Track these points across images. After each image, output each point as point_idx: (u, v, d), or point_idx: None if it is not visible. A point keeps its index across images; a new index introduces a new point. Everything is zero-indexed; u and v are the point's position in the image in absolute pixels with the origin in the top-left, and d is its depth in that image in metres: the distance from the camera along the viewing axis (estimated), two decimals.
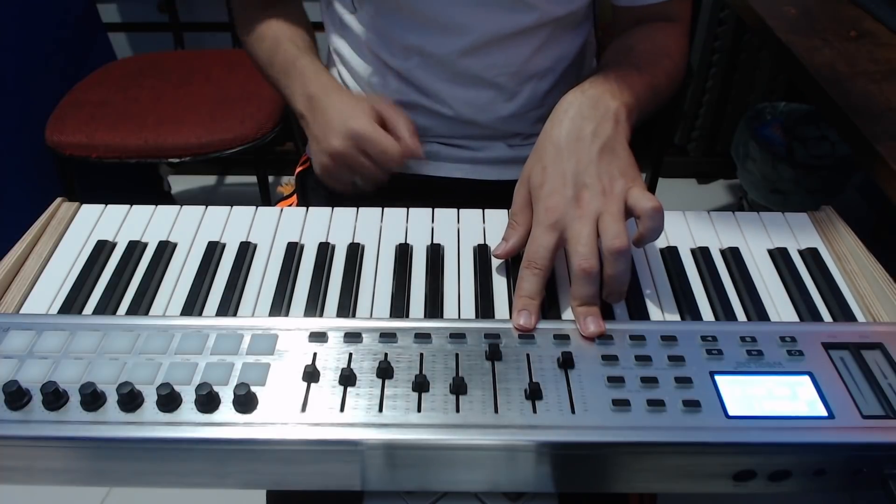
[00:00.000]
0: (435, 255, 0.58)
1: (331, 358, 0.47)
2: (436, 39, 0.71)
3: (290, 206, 0.86)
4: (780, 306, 0.54)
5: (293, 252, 0.58)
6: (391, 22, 0.72)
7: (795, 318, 0.53)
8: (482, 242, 0.59)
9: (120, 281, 0.55)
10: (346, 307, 0.53)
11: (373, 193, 0.71)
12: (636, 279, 0.56)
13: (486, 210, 0.63)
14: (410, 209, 0.63)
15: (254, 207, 0.63)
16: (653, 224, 0.51)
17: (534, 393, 0.44)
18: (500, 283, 0.56)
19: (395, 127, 0.68)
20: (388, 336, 0.48)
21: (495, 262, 0.57)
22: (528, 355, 0.47)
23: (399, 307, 0.53)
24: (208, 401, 0.43)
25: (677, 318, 0.53)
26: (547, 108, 0.74)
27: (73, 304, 0.53)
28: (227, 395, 0.44)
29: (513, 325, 0.50)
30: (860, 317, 0.53)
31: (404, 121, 0.69)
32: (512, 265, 0.57)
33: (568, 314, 0.52)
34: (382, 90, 0.77)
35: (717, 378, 0.46)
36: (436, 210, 0.63)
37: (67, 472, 0.45)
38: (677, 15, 0.74)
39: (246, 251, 0.58)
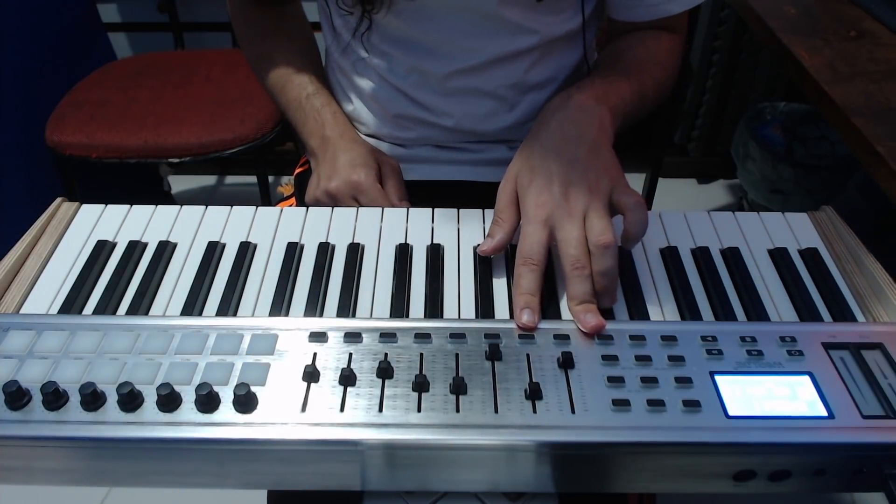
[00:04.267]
0: (435, 255, 0.58)
1: (331, 358, 0.47)
2: (436, 62, 0.72)
3: (290, 206, 0.86)
4: (780, 306, 0.54)
5: (293, 252, 0.58)
6: (393, 47, 0.73)
7: (795, 318, 0.53)
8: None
9: (120, 281, 0.55)
10: (346, 307, 0.53)
11: None
12: (636, 279, 0.56)
13: (486, 210, 0.63)
14: (410, 209, 0.63)
15: (254, 207, 0.63)
16: (636, 217, 0.53)
17: (534, 393, 0.44)
18: (500, 283, 0.56)
19: (386, 186, 0.72)
20: (388, 336, 0.48)
21: (495, 262, 0.57)
22: (528, 355, 0.47)
23: (399, 307, 0.53)
24: (208, 401, 0.43)
25: (677, 318, 0.53)
26: None
27: (73, 304, 0.53)
28: (227, 395, 0.44)
29: (516, 324, 0.50)
30: (860, 317, 0.53)
31: (397, 183, 0.72)
32: (512, 265, 0.57)
33: (567, 313, 0.52)
34: (383, 104, 0.77)
35: (717, 378, 0.46)
36: (436, 210, 0.63)
37: (67, 472, 0.45)
38: (674, 26, 0.75)
39: (246, 251, 0.58)
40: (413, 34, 0.71)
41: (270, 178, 1.87)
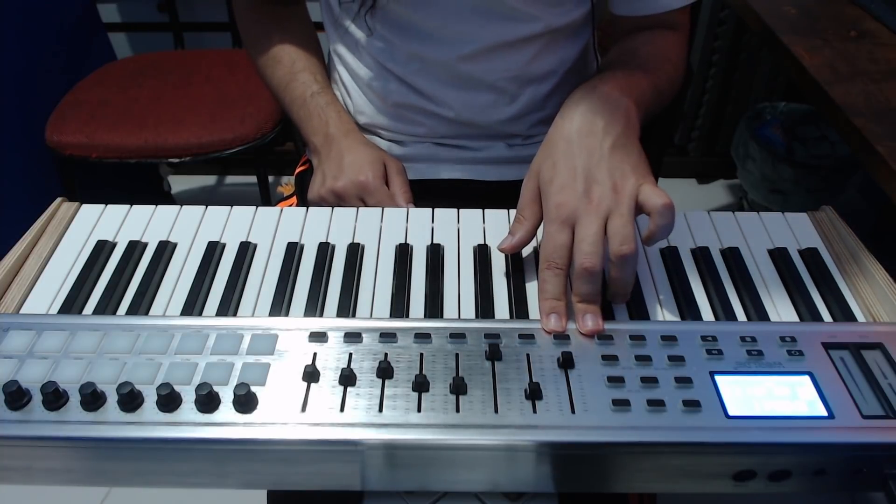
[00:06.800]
0: (435, 255, 0.58)
1: (331, 358, 0.47)
2: (437, 48, 0.72)
3: (290, 206, 0.86)
4: (780, 306, 0.54)
5: (293, 252, 0.58)
6: (394, 32, 0.73)
7: (795, 318, 0.53)
8: (482, 242, 0.59)
9: (120, 281, 0.55)
10: (346, 307, 0.53)
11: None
12: (636, 279, 0.56)
13: (486, 210, 0.63)
14: (410, 209, 0.63)
15: (254, 207, 0.63)
16: (663, 221, 0.51)
17: (534, 393, 0.44)
18: (500, 283, 0.56)
19: (393, 187, 0.72)
20: (388, 336, 0.48)
21: (495, 262, 0.57)
22: (528, 355, 0.47)
23: (399, 307, 0.53)
24: (208, 401, 0.43)
25: (677, 318, 0.53)
26: (548, 110, 0.74)
27: (73, 304, 0.53)
28: (227, 395, 0.44)
29: (543, 329, 0.49)
30: (860, 317, 0.53)
31: (403, 184, 0.73)
32: (512, 266, 0.57)
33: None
34: (383, 93, 0.77)
35: (717, 378, 0.46)
36: (436, 210, 0.63)
37: (67, 472, 0.45)
38: (677, 23, 0.75)
39: (246, 251, 0.58)
40: (414, 18, 0.71)
41: (270, 178, 1.87)
